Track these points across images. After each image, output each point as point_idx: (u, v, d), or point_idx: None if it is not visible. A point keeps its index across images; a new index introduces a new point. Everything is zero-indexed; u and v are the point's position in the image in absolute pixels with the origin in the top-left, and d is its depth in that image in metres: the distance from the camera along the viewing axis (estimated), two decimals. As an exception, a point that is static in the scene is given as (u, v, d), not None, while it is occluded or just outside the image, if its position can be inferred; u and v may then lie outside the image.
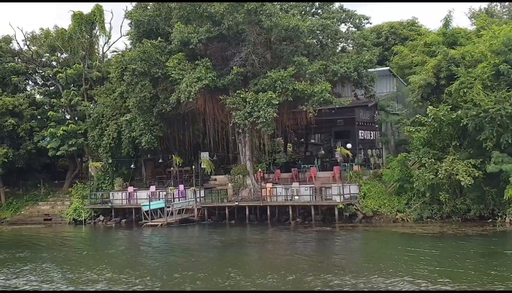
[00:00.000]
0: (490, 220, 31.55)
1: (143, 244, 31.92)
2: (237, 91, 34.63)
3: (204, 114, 39.60)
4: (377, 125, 39.92)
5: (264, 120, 32.49)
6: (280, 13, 34.42)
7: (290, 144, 53.84)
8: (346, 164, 39.80)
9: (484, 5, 61.07)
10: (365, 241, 30.00)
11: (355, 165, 38.45)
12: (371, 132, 39.19)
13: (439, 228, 31.02)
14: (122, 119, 41.92)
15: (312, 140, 54.42)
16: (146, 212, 38.46)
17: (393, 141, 41.73)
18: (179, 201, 40.14)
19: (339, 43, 36.48)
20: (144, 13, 39.29)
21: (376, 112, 39.84)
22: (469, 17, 62.28)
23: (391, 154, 40.44)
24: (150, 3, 40.37)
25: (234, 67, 34.45)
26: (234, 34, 35.66)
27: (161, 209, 39.24)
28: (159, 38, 37.44)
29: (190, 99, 33.51)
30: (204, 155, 43.00)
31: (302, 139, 52.92)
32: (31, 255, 28.06)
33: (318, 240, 30.35)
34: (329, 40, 36.03)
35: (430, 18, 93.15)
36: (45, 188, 52.40)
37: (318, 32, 36.01)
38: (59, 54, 52.90)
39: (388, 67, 42.73)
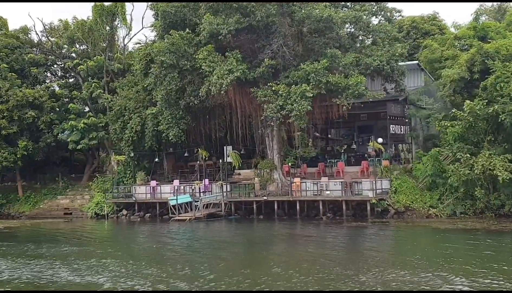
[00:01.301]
0: (526, 215, 31.05)
1: (176, 239, 31.33)
2: (268, 84, 34.10)
3: (231, 107, 39.13)
4: (407, 120, 39.32)
5: (298, 113, 31.96)
6: (314, 4, 33.72)
7: (310, 139, 53.24)
8: (374, 158, 39.38)
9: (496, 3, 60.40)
10: (401, 237, 29.46)
11: (384, 159, 37.90)
12: (401, 126, 38.63)
13: (475, 223, 30.53)
14: (148, 112, 41.45)
15: (329, 136, 53.79)
16: (173, 206, 37.99)
17: (422, 136, 41.14)
18: (204, 195, 39.71)
19: (371, 36, 35.80)
20: (171, 4, 38.68)
21: (406, 106, 39.25)
22: (478, 15, 62.04)
23: (420, 148, 39.97)
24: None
25: (265, 60, 33.88)
26: (263, 26, 35.12)
27: (188, 203, 38.85)
28: (187, 30, 36.87)
29: (222, 92, 32.97)
30: (230, 149, 42.58)
31: (318, 134, 52.26)
32: (74, 250, 27.61)
33: (353, 235, 29.77)
34: (361, 32, 35.43)
35: (450, 14, 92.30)
36: (64, 182, 52.04)
37: (350, 24, 35.40)
38: (78, 46, 52.42)
39: (417, 61, 42.11)
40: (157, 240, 31.08)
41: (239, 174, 43.25)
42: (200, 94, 35.31)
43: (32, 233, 37.18)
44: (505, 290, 13.99)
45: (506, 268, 19.48)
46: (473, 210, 32.93)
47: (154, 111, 40.33)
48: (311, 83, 32.35)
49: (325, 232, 31.36)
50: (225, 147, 42.84)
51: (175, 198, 38.43)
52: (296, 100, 32.17)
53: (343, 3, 38.33)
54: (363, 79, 32.77)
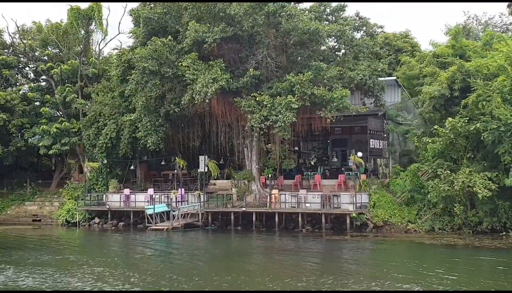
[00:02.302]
0: (504, 233, 31.47)
1: (154, 249, 30.63)
2: (252, 94, 33.94)
3: (211, 116, 38.81)
4: (385, 135, 39.66)
5: (282, 124, 31.84)
6: (300, 16, 33.76)
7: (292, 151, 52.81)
8: (350, 172, 39.56)
9: (460, 21, 61.90)
10: (379, 250, 29.36)
11: (361, 173, 38.07)
12: (380, 141, 38.91)
13: (453, 239, 30.81)
14: (126, 119, 40.72)
15: (296, 148, 53.46)
16: (150, 215, 37.31)
17: (399, 151, 41.56)
18: (181, 205, 39.14)
19: (354, 50, 36.01)
20: (152, 11, 38.24)
21: (385, 121, 39.60)
22: (444, 33, 63.78)
23: (397, 163, 40.35)
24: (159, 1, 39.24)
25: (250, 69, 33.71)
26: (248, 36, 34.99)
27: (164, 212, 38.25)
28: (169, 37, 36.46)
29: (207, 100, 32.62)
30: (205, 158, 42.16)
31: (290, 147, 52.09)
32: (45, 257, 26.70)
33: (333, 248, 29.68)
34: (344, 46, 35.62)
35: (420, 32, 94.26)
36: (32, 188, 50.68)
37: (335, 37, 35.59)
38: (52, 49, 51.30)
39: (394, 77, 42.56)
40: (134, 250, 30.34)
41: (215, 184, 42.85)
42: (182, 102, 34.89)
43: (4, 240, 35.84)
44: (505, 290, 14.03)
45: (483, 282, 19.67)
46: (451, 226, 33.27)
47: (132, 117, 39.62)
48: (296, 95, 32.29)
49: (305, 244, 31.21)
50: (200, 157, 42.44)
51: (152, 207, 37.77)
52: (281, 111, 32.07)
53: (325, 16, 38.45)
54: (347, 92, 32.95)
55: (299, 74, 33.35)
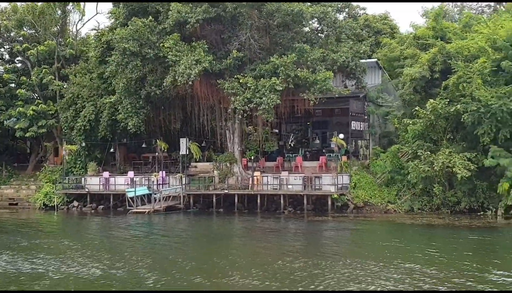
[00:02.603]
0: (482, 213, 32.11)
1: (137, 232, 30.39)
2: (235, 76, 33.80)
3: (192, 98, 38.57)
4: (366, 117, 39.95)
5: (266, 107, 31.82)
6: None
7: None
8: (331, 154, 39.83)
9: (437, 3, 62.29)
10: (359, 230, 29.56)
11: (341, 155, 38.34)
12: (361, 123, 39.17)
13: (433, 219, 31.33)
14: (106, 101, 40.22)
15: (276, 130, 53.53)
16: (131, 198, 37.08)
17: (379, 133, 41.94)
18: (162, 187, 38.99)
19: (337, 32, 36.01)
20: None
21: (366, 103, 39.86)
22: (421, 15, 64.37)
23: (377, 145, 40.75)
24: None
25: (233, 51, 33.53)
26: (231, 17, 34.73)
27: (145, 195, 38.07)
28: (149, 18, 36.02)
29: (190, 83, 32.39)
30: (184, 141, 41.96)
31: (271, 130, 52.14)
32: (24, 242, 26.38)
33: (314, 230, 29.82)
34: (327, 28, 35.61)
35: (398, 14, 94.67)
36: (7, 171, 49.87)
37: (318, 19, 35.53)
38: (28, 30, 50.26)
39: (375, 59, 42.77)
40: (116, 233, 30.05)
41: (196, 167, 42.69)
42: (164, 84, 34.54)
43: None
44: (505, 290, 14.35)
45: (458, 261, 19.99)
46: (429, 206, 33.86)
47: (112, 100, 39.15)
48: (280, 77, 32.24)
49: (287, 226, 31.36)
50: (181, 139, 42.21)
51: (133, 189, 37.54)
52: (265, 93, 32.02)
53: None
54: (331, 74, 33.06)
55: (282, 56, 33.27)
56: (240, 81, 33.41)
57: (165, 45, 33.90)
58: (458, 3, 62.82)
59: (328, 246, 24.71)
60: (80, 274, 18.21)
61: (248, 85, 32.81)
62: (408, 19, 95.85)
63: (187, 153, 40.61)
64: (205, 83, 35.16)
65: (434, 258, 20.33)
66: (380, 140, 42.04)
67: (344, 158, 37.78)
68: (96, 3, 49.89)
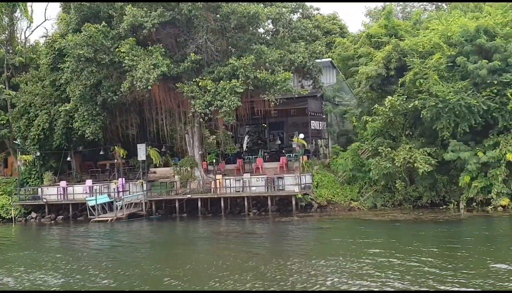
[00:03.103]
0: (444, 206, 32.76)
1: (104, 242, 29.75)
2: (194, 79, 33.49)
3: (150, 103, 38.06)
4: (324, 116, 40.24)
5: (228, 109, 31.62)
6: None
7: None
8: (291, 154, 39.97)
9: (380, 4, 63.44)
10: (329, 229, 29.59)
11: (301, 155, 38.48)
12: (319, 122, 39.46)
13: (396, 214, 31.77)
14: (61, 109, 39.19)
15: (229, 133, 53.19)
16: (92, 207, 36.31)
17: (337, 131, 42.34)
18: (122, 195, 38.32)
19: (292, 32, 36.09)
20: (84, -4, 36.86)
21: (323, 103, 40.16)
22: (365, 15, 65.67)
23: (335, 144, 41.12)
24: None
25: (191, 54, 33.20)
26: (186, 20, 34.38)
27: (105, 203, 37.35)
28: (103, 23, 35.33)
29: (149, 87, 31.90)
30: (141, 147, 41.37)
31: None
32: None
33: (279, 230, 29.66)
34: (283, 29, 35.63)
35: (345, 14, 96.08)
36: (-42, 183, 48.01)
37: (273, 20, 35.54)
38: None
39: (330, 59, 43.15)
40: (78, 243, 29.36)
41: (155, 172, 42.17)
42: (122, 89, 33.88)
43: None
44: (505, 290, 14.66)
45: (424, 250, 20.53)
46: (392, 202, 34.34)
47: (68, 107, 38.19)
48: (239, 79, 32.10)
49: (252, 228, 31.20)
50: (138, 145, 41.60)
51: (94, 198, 36.76)
52: (225, 96, 31.80)
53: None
54: (290, 75, 33.14)
55: (240, 58, 33.14)
56: (200, 84, 33.10)
57: (121, 50, 33.29)
58: (401, 2, 64.19)
59: (296, 246, 24.74)
60: (44, 285, 17.71)
61: (208, 88, 32.52)
62: (353, 19, 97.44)
63: (146, 158, 40.06)
64: (163, 87, 34.72)
65: (402, 250, 20.69)
66: (339, 139, 42.47)
67: (305, 158, 37.96)
68: (44, 8, 48.31)
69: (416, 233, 26.04)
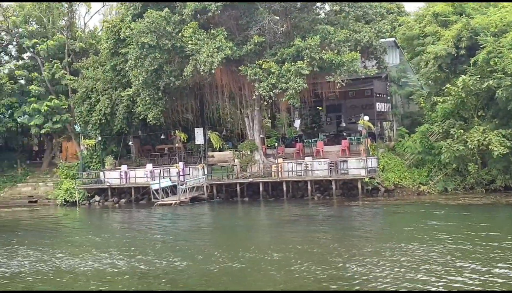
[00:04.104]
0: (519, 190, 31.40)
1: (173, 225, 29.52)
2: (257, 62, 32.88)
3: (211, 87, 37.74)
4: (388, 97, 39.06)
5: (293, 91, 30.92)
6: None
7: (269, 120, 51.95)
8: (353, 137, 39.03)
9: None
10: (398, 213, 28.43)
11: (363, 138, 37.51)
12: (384, 104, 38.32)
13: (468, 199, 30.50)
14: (124, 94, 39.31)
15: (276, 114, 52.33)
16: (156, 190, 36.41)
17: (401, 113, 41.09)
18: (183, 178, 38.29)
19: (358, 11, 35.00)
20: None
21: (388, 84, 38.97)
22: None
23: (400, 126, 39.91)
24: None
25: (254, 36, 32.59)
26: (249, 2, 33.72)
27: (168, 187, 37.40)
28: (166, 8, 35.00)
29: (212, 71, 31.50)
30: (199, 131, 41.25)
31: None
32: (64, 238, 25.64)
33: (349, 215, 28.86)
34: (348, 8, 34.57)
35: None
36: (23, 169, 49.19)
37: (338, -1, 34.53)
38: (35, 25, 49.22)
39: (393, 39, 41.76)
40: (148, 226, 29.26)
41: (213, 156, 41.93)
42: (185, 74, 33.57)
43: (10, 223, 34.32)
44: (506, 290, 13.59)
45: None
46: (463, 185, 33.19)
47: (130, 92, 38.25)
48: (305, 60, 31.31)
49: (319, 212, 30.29)
50: (196, 129, 41.50)
51: (158, 182, 36.85)
52: (291, 78, 31.09)
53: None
54: (358, 55, 32.14)
55: (305, 39, 32.29)
56: (263, 66, 32.46)
57: (184, 35, 32.91)
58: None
59: (367, 230, 23.81)
60: (123, 268, 17.51)
61: (272, 70, 31.85)
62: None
63: (204, 142, 39.89)
64: (225, 70, 34.25)
65: (478, 236, 19.77)
66: (403, 121, 41.20)
67: (368, 141, 36.98)
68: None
69: (491, 217, 24.95)
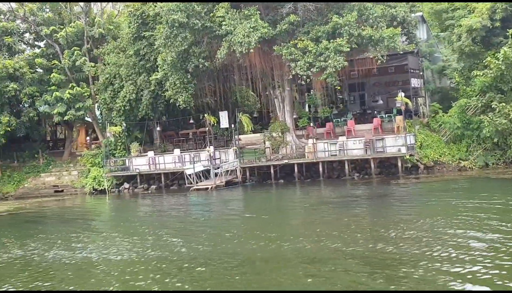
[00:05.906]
0: None
1: (215, 210, 28.94)
2: (292, 41, 32.21)
3: (240, 69, 37.09)
4: (421, 73, 38.45)
5: (333, 70, 30.30)
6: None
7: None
8: (384, 114, 38.48)
9: None
10: (445, 190, 26.94)
11: (394, 116, 36.95)
12: (417, 80, 37.72)
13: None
14: (152, 78, 38.65)
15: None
16: (190, 175, 35.95)
17: (433, 89, 40.52)
18: (215, 162, 37.82)
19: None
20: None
21: (420, 59, 38.33)
22: None
23: (432, 102, 39.36)
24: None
25: (290, 15, 31.90)
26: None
27: (201, 171, 36.92)
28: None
29: (250, 51, 30.85)
30: (223, 114, 40.73)
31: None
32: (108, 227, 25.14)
33: (394, 193, 27.87)
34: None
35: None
36: (45, 158, 48.65)
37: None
38: (52, 12, 48.35)
39: (421, 13, 41.05)
40: (187, 212, 28.64)
41: (240, 139, 41.38)
42: (218, 56, 32.91)
43: (41, 213, 33.67)
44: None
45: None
46: (503, 160, 32.76)
47: (158, 77, 37.57)
48: (344, 37, 30.65)
49: (361, 192, 29.41)
50: (221, 112, 40.96)
51: (192, 167, 36.37)
52: (330, 56, 30.45)
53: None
54: (399, 31, 31.48)
55: (341, 15, 31.61)
56: (298, 45, 31.79)
57: (217, 15, 32.21)
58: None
59: (416, 208, 23.02)
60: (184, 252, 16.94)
61: (309, 49, 31.19)
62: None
63: (231, 125, 39.33)
64: (257, 51, 33.56)
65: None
66: (433, 97, 40.63)
67: (401, 117, 36.37)
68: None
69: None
